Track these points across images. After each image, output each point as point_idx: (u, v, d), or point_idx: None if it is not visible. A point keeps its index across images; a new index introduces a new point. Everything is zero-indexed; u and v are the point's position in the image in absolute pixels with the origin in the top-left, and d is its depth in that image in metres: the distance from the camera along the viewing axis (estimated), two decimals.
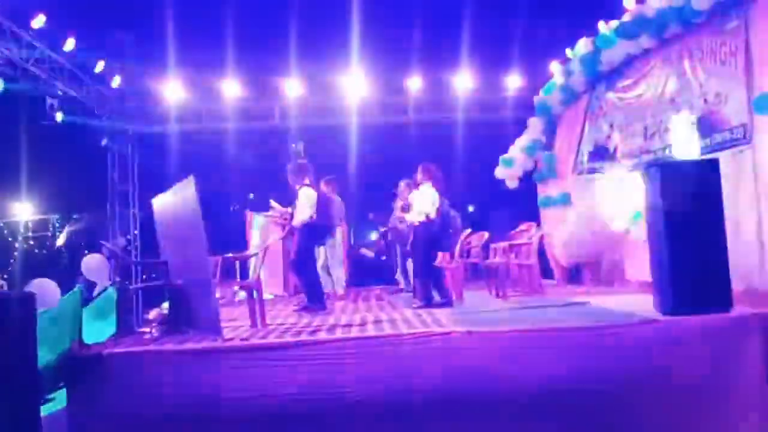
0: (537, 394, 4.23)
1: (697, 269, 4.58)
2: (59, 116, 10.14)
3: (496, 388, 4.23)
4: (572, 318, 4.94)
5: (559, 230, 9.20)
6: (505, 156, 10.62)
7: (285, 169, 6.82)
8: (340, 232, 8.23)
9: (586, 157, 9.17)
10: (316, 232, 6.58)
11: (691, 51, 6.77)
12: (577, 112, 9.64)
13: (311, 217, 6.40)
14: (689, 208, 4.64)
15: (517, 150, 10.63)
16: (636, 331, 4.45)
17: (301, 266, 6.51)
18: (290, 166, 6.84)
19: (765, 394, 4.32)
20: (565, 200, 9.27)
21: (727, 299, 4.63)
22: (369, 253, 10.64)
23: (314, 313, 6.18)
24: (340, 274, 8.35)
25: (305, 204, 6.43)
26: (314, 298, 6.45)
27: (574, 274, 9.88)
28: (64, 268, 14.28)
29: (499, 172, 10.65)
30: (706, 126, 6.45)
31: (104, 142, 12.06)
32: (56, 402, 4.32)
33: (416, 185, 6.85)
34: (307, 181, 6.60)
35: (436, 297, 6.45)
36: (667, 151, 7.16)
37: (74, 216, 15.94)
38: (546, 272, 9.27)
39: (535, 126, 10.71)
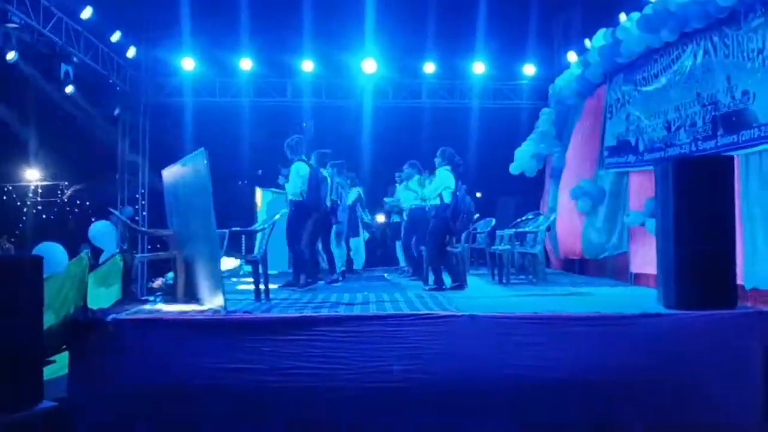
0: (536, 381, 4.24)
1: (704, 265, 4.55)
2: (69, 89, 10.13)
3: (496, 372, 4.24)
4: (574, 307, 4.94)
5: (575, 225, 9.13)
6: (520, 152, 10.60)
7: (285, 148, 6.85)
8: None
9: (606, 153, 9.06)
10: (303, 209, 6.60)
11: (716, 46, 6.68)
12: (597, 104, 9.54)
13: (302, 194, 6.46)
14: (700, 203, 4.61)
15: (528, 146, 10.59)
16: (638, 323, 4.43)
17: (290, 242, 6.55)
18: (288, 140, 6.87)
19: (765, 389, 4.32)
20: (599, 196, 9.08)
21: (732, 296, 4.61)
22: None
23: (298, 289, 6.28)
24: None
25: (297, 179, 6.48)
26: (298, 274, 6.52)
27: (576, 264, 9.87)
28: (71, 234, 14.36)
29: (515, 167, 10.62)
30: (734, 123, 6.38)
31: (117, 111, 12.06)
32: (58, 364, 4.36)
33: (433, 168, 6.88)
34: (302, 157, 6.66)
35: (447, 281, 6.48)
36: (696, 146, 7.09)
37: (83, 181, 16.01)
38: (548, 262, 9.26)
39: (546, 117, 10.65)
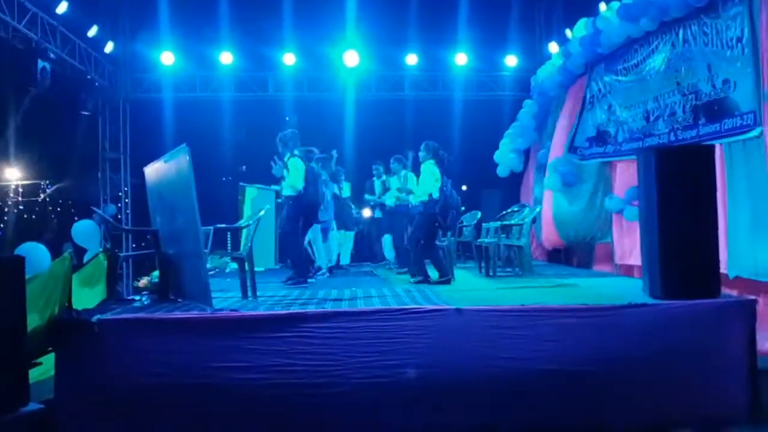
0: (524, 373, 4.26)
1: (687, 255, 4.60)
2: (49, 81, 9.96)
3: (484, 365, 4.26)
4: (561, 299, 4.97)
5: (548, 211, 9.22)
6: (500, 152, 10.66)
7: (277, 141, 6.81)
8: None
9: (587, 143, 9.11)
10: (302, 205, 6.61)
11: (695, 35, 6.73)
12: (575, 94, 9.59)
13: (302, 189, 6.45)
14: (682, 193, 4.64)
15: (506, 143, 10.66)
16: (624, 314, 4.47)
17: (290, 238, 6.54)
18: (279, 135, 6.84)
19: (750, 379, 4.38)
20: (573, 180, 9.17)
21: (716, 285, 4.66)
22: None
23: (299, 286, 6.21)
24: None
25: (296, 174, 6.46)
26: (299, 271, 6.47)
27: (563, 256, 9.94)
28: (53, 233, 14.19)
29: (501, 170, 10.69)
30: (716, 111, 6.44)
31: (96, 108, 11.90)
32: (44, 366, 4.31)
33: (417, 163, 6.88)
34: (296, 152, 6.62)
35: (432, 275, 6.49)
36: (675, 135, 7.14)
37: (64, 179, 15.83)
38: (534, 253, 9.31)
39: (527, 110, 10.70)
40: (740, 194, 5.94)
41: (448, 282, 6.36)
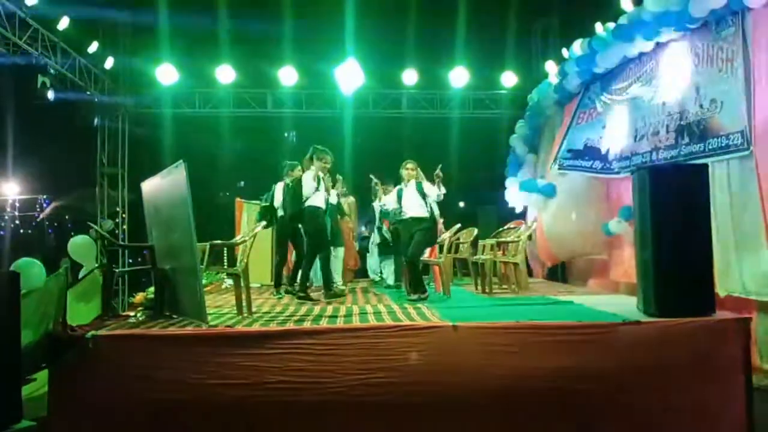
0: (518, 390, 4.26)
1: (682, 273, 4.60)
2: (50, 95, 10.02)
3: (479, 382, 4.25)
4: (556, 316, 4.97)
5: (540, 225, 9.25)
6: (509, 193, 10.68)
7: (276, 157, 6.92)
8: None
9: (569, 155, 9.17)
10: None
11: (687, 56, 6.82)
12: (570, 112, 9.67)
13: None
14: (677, 212, 4.67)
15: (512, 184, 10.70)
16: (619, 331, 4.47)
17: (322, 249, 6.75)
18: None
19: (746, 396, 4.37)
20: (549, 191, 9.26)
21: (711, 303, 4.67)
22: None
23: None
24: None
25: (278, 195, 6.58)
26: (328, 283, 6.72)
27: (559, 273, 9.95)
28: (50, 248, 14.19)
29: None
30: (702, 131, 6.51)
31: (95, 123, 11.96)
32: (38, 382, 4.29)
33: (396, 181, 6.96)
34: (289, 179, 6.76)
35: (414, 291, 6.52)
36: (657, 155, 7.22)
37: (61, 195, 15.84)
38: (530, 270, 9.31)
39: (518, 134, 10.74)
40: (723, 214, 5.97)
41: (425, 299, 6.34)
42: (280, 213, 7.15)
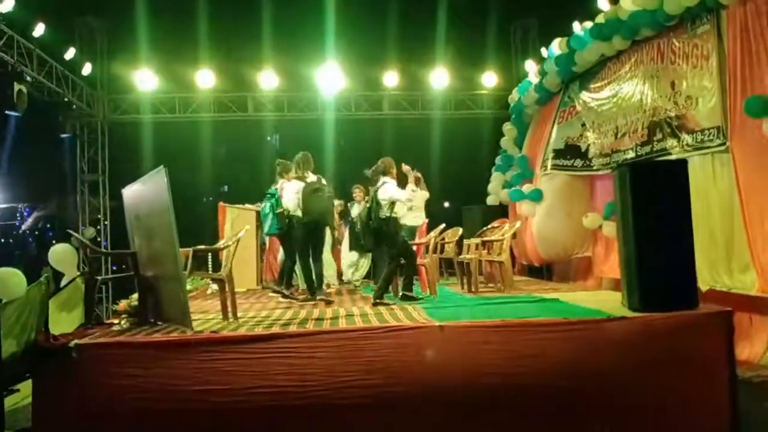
0: (507, 388, 4.28)
1: (665, 267, 4.66)
2: (26, 103, 9.88)
3: (466, 381, 4.26)
4: (542, 314, 4.99)
5: (529, 228, 9.31)
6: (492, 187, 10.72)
7: (259, 161, 6.87)
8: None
9: (552, 155, 9.25)
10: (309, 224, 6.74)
11: (663, 54, 6.90)
12: (550, 111, 9.74)
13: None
14: (658, 207, 4.72)
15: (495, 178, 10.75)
16: (604, 327, 4.52)
17: (301, 255, 6.72)
18: (276, 163, 6.94)
19: (730, 389, 4.42)
20: (536, 196, 9.37)
21: (694, 297, 4.73)
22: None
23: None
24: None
25: (288, 196, 6.55)
26: (311, 287, 6.68)
27: (544, 271, 10.01)
28: (31, 257, 13.99)
29: (491, 199, 10.75)
30: (677, 127, 6.59)
31: (74, 130, 11.82)
32: (21, 393, 4.23)
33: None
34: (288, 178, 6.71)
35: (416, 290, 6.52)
36: (635, 152, 7.30)
37: (42, 203, 15.64)
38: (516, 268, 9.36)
39: (508, 137, 10.81)
40: (701, 208, 6.05)
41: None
42: (297, 214, 6.84)
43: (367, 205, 6.54)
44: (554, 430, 4.32)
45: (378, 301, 6.01)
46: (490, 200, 10.83)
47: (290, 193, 6.71)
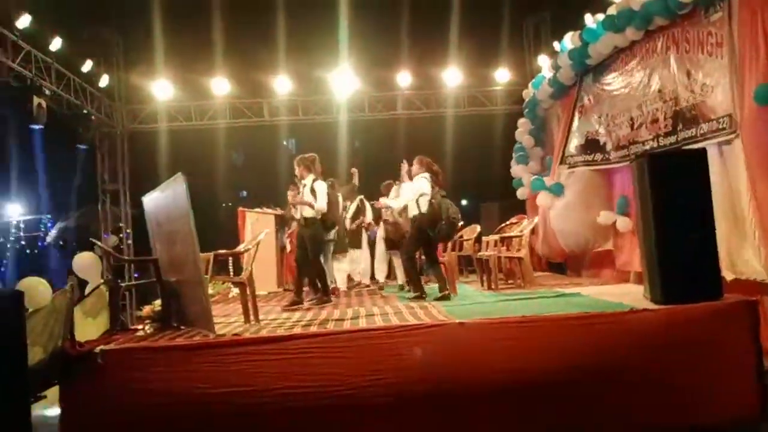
0: (530, 384, 4.26)
1: (687, 258, 4.60)
2: (46, 117, 10.05)
3: (488, 378, 4.25)
4: (564, 308, 4.97)
5: (549, 222, 9.25)
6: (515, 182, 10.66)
7: (276, 165, 6.90)
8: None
9: (573, 151, 9.19)
10: (326, 226, 6.76)
11: (678, 42, 6.82)
12: (568, 105, 9.67)
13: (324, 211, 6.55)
14: (678, 198, 4.67)
15: (516, 168, 10.67)
16: (627, 320, 4.48)
17: (314, 258, 6.64)
18: (300, 158, 6.89)
19: (756, 380, 4.36)
20: (557, 190, 9.29)
21: (717, 287, 4.66)
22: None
23: (324, 305, 6.36)
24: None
25: (323, 196, 6.51)
26: (325, 289, 6.64)
27: (565, 265, 9.94)
28: (56, 268, 14.22)
29: (520, 192, 10.67)
30: (694, 116, 6.51)
31: (94, 141, 12.00)
32: (48, 400, 4.30)
33: (410, 177, 6.91)
34: (315, 175, 6.68)
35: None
36: (657, 142, 7.22)
37: (65, 214, 15.89)
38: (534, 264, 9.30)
39: (522, 130, 10.74)
40: (719, 196, 5.96)
41: (422, 298, 6.33)
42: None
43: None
44: (578, 424, 4.29)
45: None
46: (520, 194, 10.69)
47: (323, 193, 6.66)
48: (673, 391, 4.35)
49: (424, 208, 6.39)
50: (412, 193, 6.52)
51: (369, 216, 8.72)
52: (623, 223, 7.84)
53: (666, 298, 4.64)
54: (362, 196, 8.67)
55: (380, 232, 8.63)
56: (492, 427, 4.27)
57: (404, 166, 7.34)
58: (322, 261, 7.02)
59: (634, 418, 4.33)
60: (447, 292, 6.34)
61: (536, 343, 4.36)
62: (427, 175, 6.57)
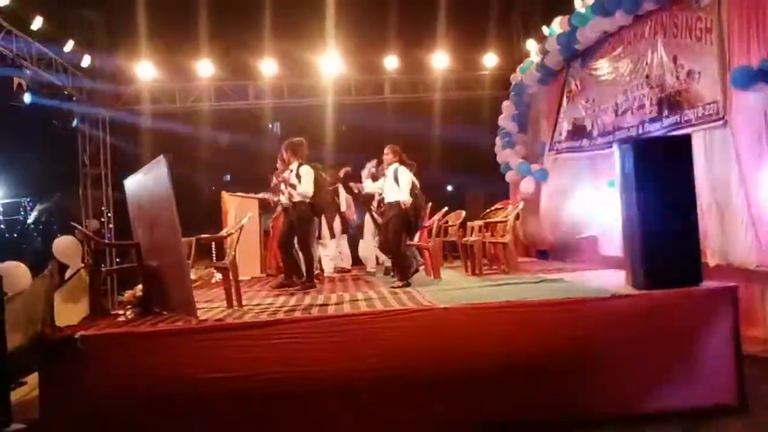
0: (513, 368, 4.28)
1: (668, 244, 4.63)
2: (27, 97, 9.88)
3: (472, 362, 4.27)
4: (546, 293, 4.99)
5: (534, 210, 9.29)
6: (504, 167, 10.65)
7: (261, 149, 6.83)
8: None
9: (564, 136, 9.20)
10: (314, 210, 6.70)
11: (666, 28, 6.81)
12: (556, 90, 9.66)
13: (312, 195, 6.49)
14: (660, 184, 4.68)
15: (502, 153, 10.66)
16: (608, 305, 4.52)
17: (302, 244, 6.59)
18: (287, 142, 6.81)
19: (735, 366, 4.41)
20: (542, 176, 9.31)
21: (698, 273, 4.70)
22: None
23: (307, 290, 6.33)
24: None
25: (309, 180, 6.44)
26: (311, 275, 6.61)
27: (548, 251, 9.98)
28: (36, 251, 14.06)
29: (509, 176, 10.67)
30: (679, 102, 6.52)
31: (75, 123, 11.81)
32: (29, 385, 4.26)
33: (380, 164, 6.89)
34: (301, 160, 6.63)
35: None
36: (642, 128, 7.23)
37: (46, 195, 15.70)
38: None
39: (506, 111, 10.71)
40: (704, 183, 6.00)
41: (407, 285, 6.31)
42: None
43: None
44: (558, 407, 4.33)
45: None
46: (509, 177, 10.67)
47: (310, 178, 6.61)
48: (654, 375, 4.40)
49: (409, 198, 6.38)
50: (407, 184, 6.47)
51: (343, 205, 8.70)
52: (607, 209, 7.86)
53: (647, 283, 4.67)
54: (338, 184, 8.63)
55: (369, 219, 8.57)
56: (476, 410, 4.29)
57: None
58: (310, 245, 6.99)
59: (614, 401, 4.37)
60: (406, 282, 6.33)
61: (519, 328, 4.38)
62: (404, 166, 6.52)
